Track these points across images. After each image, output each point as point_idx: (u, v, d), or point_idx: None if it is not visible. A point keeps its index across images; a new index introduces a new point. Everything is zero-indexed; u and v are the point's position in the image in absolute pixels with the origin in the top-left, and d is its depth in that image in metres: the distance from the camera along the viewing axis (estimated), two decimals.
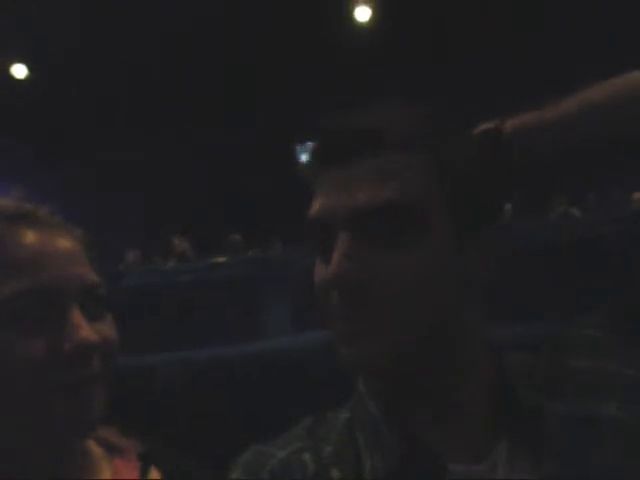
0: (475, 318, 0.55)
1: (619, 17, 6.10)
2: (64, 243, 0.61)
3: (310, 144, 0.55)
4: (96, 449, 0.66)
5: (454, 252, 0.51)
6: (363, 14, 7.85)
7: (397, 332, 0.49)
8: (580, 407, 0.51)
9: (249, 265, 3.18)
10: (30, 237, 0.59)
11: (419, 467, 0.51)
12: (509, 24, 7.07)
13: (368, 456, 0.52)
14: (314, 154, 0.55)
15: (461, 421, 0.52)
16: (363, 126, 0.52)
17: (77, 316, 0.57)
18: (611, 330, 0.56)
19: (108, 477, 0.64)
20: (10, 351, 0.54)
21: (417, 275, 0.49)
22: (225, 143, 8.43)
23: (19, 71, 7.87)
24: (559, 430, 0.50)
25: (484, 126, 0.66)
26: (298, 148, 8.57)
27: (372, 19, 7.84)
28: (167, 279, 2.54)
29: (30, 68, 7.79)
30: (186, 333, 1.55)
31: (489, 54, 7.13)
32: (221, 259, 4.03)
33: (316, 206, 0.53)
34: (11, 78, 7.75)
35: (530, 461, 0.50)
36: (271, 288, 1.87)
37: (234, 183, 8.51)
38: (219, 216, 7.78)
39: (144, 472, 0.66)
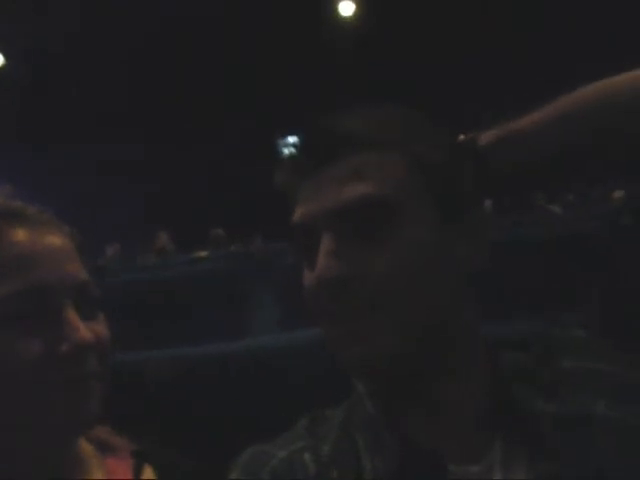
0: (471, 318, 0.55)
1: (619, 17, 6.11)
2: (55, 240, 0.60)
3: (290, 139, 0.55)
4: (88, 448, 0.66)
5: (442, 247, 0.51)
6: (347, 9, 7.86)
7: (392, 333, 0.49)
8: (575, 407, 0.51)
9: (231, 259, 3.19)
10: (20, 235, 0.58)
11: (420, 468, 0.50)
12: (509, 24, 7.08)
13: (368, 457, 0.52)
14: (290, 158, 0.55)
15: (457, 421, 0.52)
16: (337, 128, 0.53)
17: (73, 316, 0.56)
18: (600, 332, 0.57)
19: (101, 476, 0.64)
20: (7, 351, 0.54)
21: (404, 268, 0.49)
22: (225, 143, 8.42)
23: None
24: (555, 430, 0.50)
25: (460, 137, 0.68)
26: (279, 142, 8.44)
27: (355, 14, 7.83)
28: (149, 273, 2.55)
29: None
30: (169, 327, 1.55)
31: (488, 54, 7.13)
32: (203, 253, 4.04)
33: (298, 212, 0.53)
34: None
35: (527, 461, 0.49)
36: (254, 282, 1.87)
37: (232, 183, 8.49)
38: (202, 211, 7.74)
39: (137, 471, 0.66)
